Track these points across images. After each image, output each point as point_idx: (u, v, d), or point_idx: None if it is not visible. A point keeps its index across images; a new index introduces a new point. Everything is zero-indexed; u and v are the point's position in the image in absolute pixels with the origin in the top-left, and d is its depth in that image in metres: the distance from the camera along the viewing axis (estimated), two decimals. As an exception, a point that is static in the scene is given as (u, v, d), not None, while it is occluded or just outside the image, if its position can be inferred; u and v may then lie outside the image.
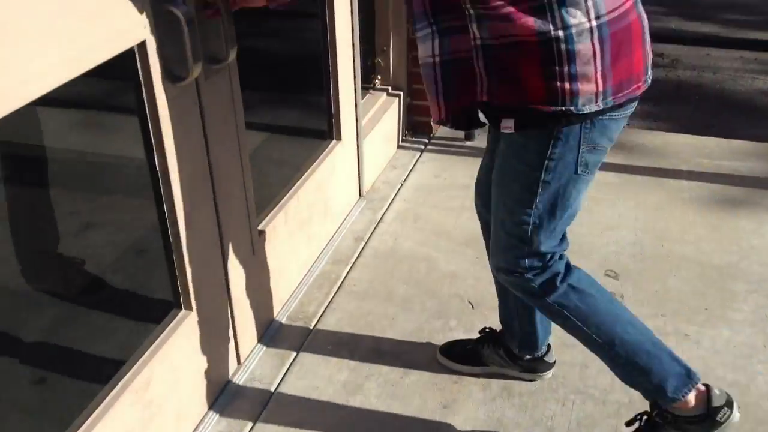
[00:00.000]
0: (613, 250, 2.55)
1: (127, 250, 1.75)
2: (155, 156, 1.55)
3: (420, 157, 3.17)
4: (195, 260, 1.71)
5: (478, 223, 1.87)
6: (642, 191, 2.90)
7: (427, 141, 3.27)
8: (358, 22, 2.54)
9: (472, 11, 1.31)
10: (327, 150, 2.52)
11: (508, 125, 1.37)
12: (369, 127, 2.89)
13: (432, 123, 1.46)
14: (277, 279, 2.18)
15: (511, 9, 1.27)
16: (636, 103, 1.44)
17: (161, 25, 1.45)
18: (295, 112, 2.67)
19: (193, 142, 1.65)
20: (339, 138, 2.57)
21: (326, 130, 2.58)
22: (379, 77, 3.18)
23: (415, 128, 3.31)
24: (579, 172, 1.45)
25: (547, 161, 1.42)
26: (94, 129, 1.65)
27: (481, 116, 1.40)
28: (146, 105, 1.48)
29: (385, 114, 3.03)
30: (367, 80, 3.11)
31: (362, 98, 2.78)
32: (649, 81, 1.43)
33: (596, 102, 1.33)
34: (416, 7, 1.40)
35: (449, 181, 2.99)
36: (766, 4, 6.23)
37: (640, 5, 1.40)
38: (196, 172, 1.67)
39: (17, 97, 1.15)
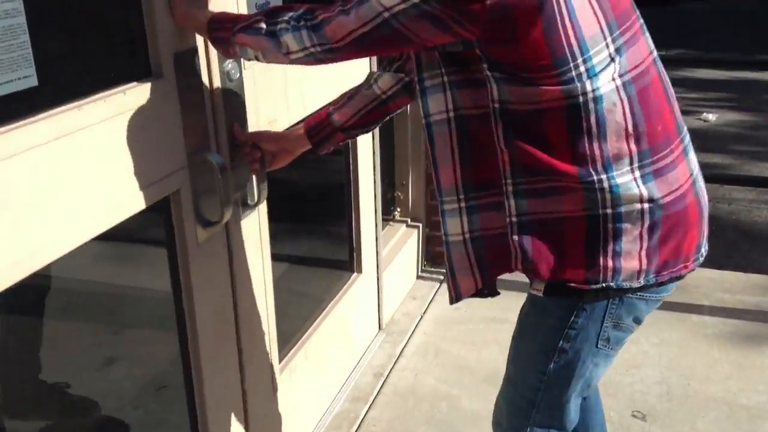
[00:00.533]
0: (639, 389, 2.49)
1: (147, 385, 1.74)
2: (182, 294, 1.57)
3: (439, 288, 3.18)
4: (215, 398, 1.70)
5: (501, 357, 1.84)
6: (665, 327, 2.87)
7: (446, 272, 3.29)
8: (379, 160, 2.63)
9: (511, 187, 1.28)
10: (348, 283, 2.54)
11: (538, 288, 1.33)
12: (389, 258, 2.92)
13: (451, 301, 1.40)
14: (296, 418, 2.14)
15: (559, 185, 1.24)
16: (674, 286, 1.37)
17: (196, 172, 1.50)
18: (317, 242, 2.71)
19: (220, 283, 1.67)
20: (360, 271, 2.59)
21: (347, 263, 2.61)
22: (398, 210, 3.25)
23: (434, 259, 3.34)
24: (599, 347, 1.38)
25: (567, 329, 1.36)
26: (121, 261, 1.68)
27: None
28: (177, 249, 1.52)
29: (405, 245, 3.07)
30: (387, 212, 3.17)
31: (382, 230, 2.83)
32: (701, 259, 1.36)
33: (637, 279, 1.28)
34: (445, 184, 1.35)
35: (470, 313, 2.98)
36: (777, 137, 6.37)
37: (700, 182, 1.35)
38: (220, 311, 1.68)
39: (56, 247, 1.18)
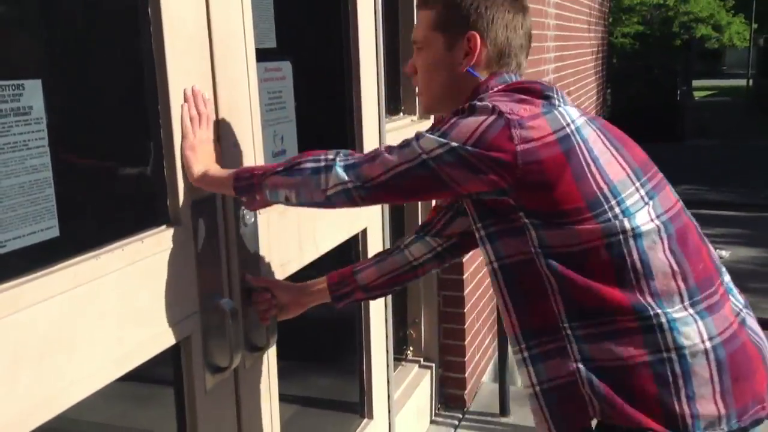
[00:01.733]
0: None
1: None
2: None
3: (453, 432, 3.08)
4: None
5: None
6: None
7: (461, 416, 3.20)
8: (391, 297, 2.62)
9: (570, 331, 1.27)
10: (359, 430, 2.46)
11: None
12: (401, 402, 2.84)
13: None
14: None
15: (617, 327, 1.24)
16: (758, 428, 1.32)
17: (207, 318, 1.51)
18: (326, 381, 2.66)
19: (227, 427, 1.63)
20: (371, 416, 2.52)
21: (358, 406, 2.55)
22: (410, 349, 3.20)
23: (447, 402, 3.26)
24: None
25: None
26: (131, 401, 1.65)
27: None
28: (185, 397, 1.50)
29: (417, 388, 3.00)
30: (399, 352, 3.13)
31: (394, 371, 2.78)
32: None
33: (719, 425, 1.24)
34: (507, 330, 1.34)
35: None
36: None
37: (749, 322, 1.35)
38: (226, 462, 1.63)
39: (67, 398, 1.17)
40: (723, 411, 1.24)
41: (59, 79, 1.21)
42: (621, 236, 1.23)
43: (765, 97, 20.18)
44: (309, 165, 1.33)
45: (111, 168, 1.37)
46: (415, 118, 2.94)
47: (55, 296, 1.14)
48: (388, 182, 1.28)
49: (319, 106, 2.20)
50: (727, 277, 1.37)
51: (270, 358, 1.81)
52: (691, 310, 1.25)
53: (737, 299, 1.35)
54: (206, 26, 1.49)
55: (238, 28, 1.59)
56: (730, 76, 35.32)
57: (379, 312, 2.55)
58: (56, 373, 1.15)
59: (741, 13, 24.56)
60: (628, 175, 1.26)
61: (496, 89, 1.35)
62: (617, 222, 1.23)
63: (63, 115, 1.21)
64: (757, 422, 1.29)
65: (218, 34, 1.52)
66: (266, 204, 1.43)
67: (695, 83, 24.56)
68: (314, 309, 2.47)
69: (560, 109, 1.26)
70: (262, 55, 1.71)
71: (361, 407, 2.53)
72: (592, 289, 1.24)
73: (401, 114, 2.94)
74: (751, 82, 24.50)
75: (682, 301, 1.25)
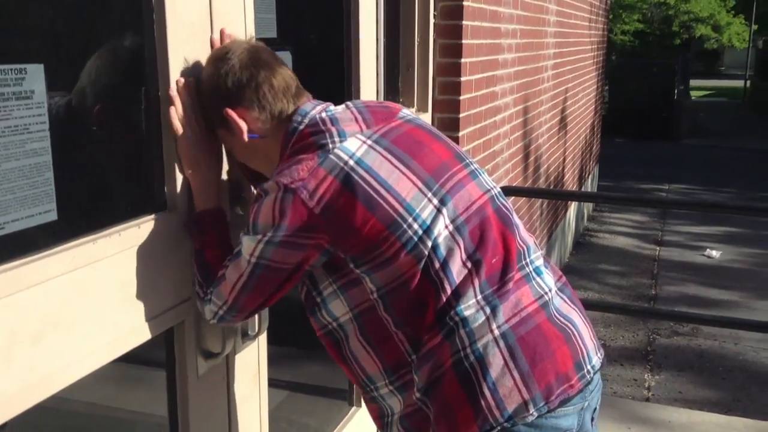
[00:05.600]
0: None
1: None
2: (178, 424, 1.55)
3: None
4: None
5: None
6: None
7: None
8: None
9: (415, 362, 1.33)
10: (346, 418, 2.49)
11: None
12: (390, 391, 2.87)
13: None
14: None
15: (430, 345, 1.30)
16: (587, 394, 1.36)
17: (201, 304, 1.52)
18: (316, 369, 2.68)
19: (218, 416, 1.65)
20: (359, 405, 2.55)
21: (347, 393, 2.58)
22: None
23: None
24: None
25: None
26: (122, 382, 1.67)
27: None
28: (177, 381, 1.51)
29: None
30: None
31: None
32: (588, 377, 1.35)
33: (527, 410, 1.27)
34: (371, 370, 1.41)
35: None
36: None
37: (557, 302, 1.38)
38: (215, 446, 1.65)
39: (61, 379, 1.19)
40: (527, 395, 1.27)
41: (61, 63, 1.22)
42: (427, 256, 1.29)
43: (762, 98, 20.24)
44: (200, 292, 1.44)
45: (109, 153, 1.38)
46: (413, 109, 2.96)
47: (52, 278, 1.16)
48: (239, 297, 1.37)
49: (319, 97, 2.21)
50: (539, 261, 1.42)
51: (261, 345, 1.83)
52: (482, 303, 1.30)
53: (545, 282, 1.39)
54: (208, 14, 1.50)
55: (239, 17, 1.60)
56: (728, 76, 35.38)
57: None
58: (52, 353, 1.17)
59: (741, 15, 24.57)
60: (419, 188, 1.31)
61: (288, 150, 1.37)
62: (420, 243, 1.29)
63: (64, 99, 1.22)
64: (566, 401, 1.31)
65: (219, 23, 1.52)
66: None
67: (693, 83, 24.58)
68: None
69: (335, 150, 1.30)
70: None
71: (350, 395, 2.56)
72: (423, 314, 1.31)
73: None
74: (748, 83, 24.55)
75: (475, 296, 1.30)
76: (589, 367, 1.36)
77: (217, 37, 1.50)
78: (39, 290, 1.13)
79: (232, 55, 1.39)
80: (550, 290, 1.38)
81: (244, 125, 1.40)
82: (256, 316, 1.71)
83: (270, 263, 1.32)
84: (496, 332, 1.29)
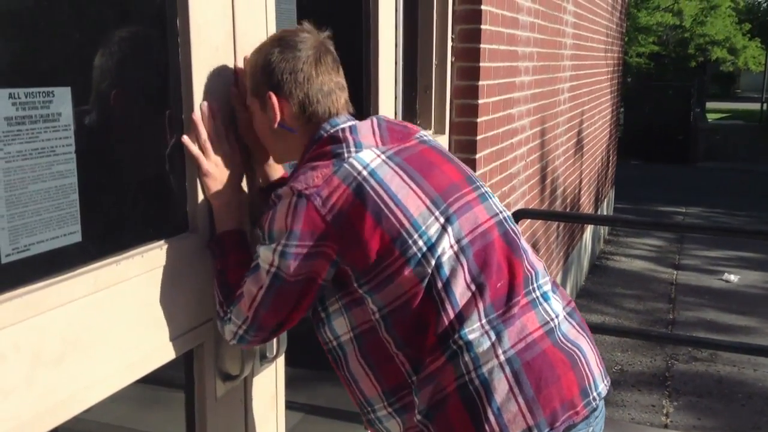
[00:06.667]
0: None
1: None
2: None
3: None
4: None
5: None
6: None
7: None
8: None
9: (416, 384, 1.33)
10: (363, 441, 2.47)
11: None
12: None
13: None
14: None
15: (432, 367, 1.30)
16: (592, 420, 1.35)
17: (220, 326, 1.52)
18: (333, 390, 2.67)
19: (234, 437, 1.65)
20: (376, 428, 2.53)
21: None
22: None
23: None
24: None
25: None
26: (139, 403, 1.66)
27: None
28: (195, 404, 1.51)
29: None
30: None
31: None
32: (594, 404, 1.35)
33: None
34: (369, 393, 1.40)
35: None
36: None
37: (564, 329, 1.38)
38: (233, 469, 1.64)
39: (82, 401, 1.19)
40: (531, 421, 1.27)
41: (87, 86, 1.24)
42: (430, 274, 1.30)
43: (779, 121, 20.10)
44: (220, 311, 1.43)
45: (132, 175, 1.39)
46: (430, 132, 2.96)
47: (75, 300, 1.16)
48: (258, 313, 1.36)
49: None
50: (547, 287, 1.42)
51: (278, 367, 1.82)
52: (487, 327, 1.30)
53: (552, 308, 1.39)
54: (232, 38, 1.51)
55: (263, 38, 1.61)
56: (744, 99, 35.25)
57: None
58: (74, 375, 1.17)
59: (757, 38, 24.52)
60: (427, 206, 1.32)
61: (308, 154, 1.41)
62: (424, 260, 1.29)
63: (89, 122, 1.23)
64: (571, 427, 1.30)
65: (243, 47, 1.54)
66: None
67: (709, 105, 24.51)
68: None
69: (350, 160, 1.33)
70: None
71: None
72: (423, 334, 1.31)
73: (417, 128, 2.96)
74: (765, 106, 24.42)
75: (479, 320, 1.30)
76: (595, 394, 1.36)
77: (242, 65, 1.52)
78: (62, 312, 1.14)
79: (301, 48, 1.41)
80: (557, 316, 1.39)
81: (279, 116, 1.42)
82: (275, 340, 1.71)
83: (286, 276, 1.32)
84: (502, 357, 1.29)
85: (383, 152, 1.36)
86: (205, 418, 1.52)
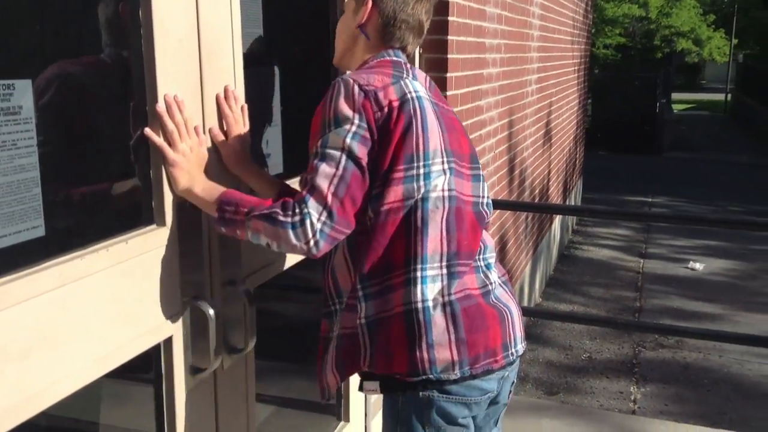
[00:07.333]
0: None
1: None
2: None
3: None
4: None
5: None
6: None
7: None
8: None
9: (360, 292, 1.48)
10: (335, 432, 2.48)
11: (373, 388, 1.53)
12: (378, 405, 2.86)
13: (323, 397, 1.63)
14: None
15: (392, 282, 1.46)
16: (508, 369, 1.54)
17: (189, 320, 1.52)
18: (304, 383, 2.67)
19: (206, 428, 1.64)
20: (347, 419, 2.54)
21: (334, 409, 2.57)
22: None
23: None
24: None
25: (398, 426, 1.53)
26: (109, 398, 1.65)
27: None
28: (164, 397, 1.51)
29: (394, 392, 3.01)
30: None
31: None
32: (511, 358, 1.54)
33: (453, 370, 1.46)
34: (344, 285, 1.54)
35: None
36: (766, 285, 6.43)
37: (498, 292, 1.57)
38: (203, 463, 1.64)
39: (50, 396, 1.18)
40: (456, 357, 1.46)
41: (48, 79, 1.22)
42: (414, 198, 1.44)
43: (743, 112, 20.49)
44: (286, 219, 1.36)
45: (97, 169, 1.38)
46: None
47: (40, 295, 1.15)
48: (337, 194, 1.38)
49: (306, 110, 2.21)
50: (491, 260, 1.60)
51: (248, 360, 1.82)
52: (443, 271, 1.47)
53: (489, 277, 1.57)
54: (196, 30, 1.50)
55: (226, 33, 1.61)
56: (710, 90, 35.80)
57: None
58: (41, 369, 1.16)
59: (722, 29, 24.91)
60: (441, 149, 1.48)
61: (366, 65, 1.57)
62: (416, 184, 1.43)
63: (51, 116, 1.22)
64: (488, 372, 1.50)
65: (207, 39, 1.53)
66: (239, 237, 1.44)
67: (675, 96, 24.85)
68: (292, 310, 2.49)
69: (405, 81, 1.49)
70: (249, 59, 1.73)
71: (338, 410, 2.55)
72: (385, 250, 1.45)
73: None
74: (729, 96, 24.85)
75: (440, 260, 1.47)
76: (513, 350, 1.55)
77: (222, 94, 1.58)
78: (27, 306, 1.13)
79: None
80: (493, 282, 1.58)
81: (363, 19, 1.56)
82: (245, 332, 1.71)
83: (357, 157, 1.40)
84: (446, 299, 1.47)
85: (429, 95, 1.53)
86: (174, 413, 1.52)
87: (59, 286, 1.19)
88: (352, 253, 1.51)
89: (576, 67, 7.78)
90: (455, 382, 1.47)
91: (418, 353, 1.44)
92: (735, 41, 25.69)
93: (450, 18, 2.93)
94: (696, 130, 18.48)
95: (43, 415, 1.29)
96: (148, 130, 1.41)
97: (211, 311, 1.53)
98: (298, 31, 2.15)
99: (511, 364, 1.55)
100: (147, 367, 1.53)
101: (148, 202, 1.45)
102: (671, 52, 23.82)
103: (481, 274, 1.55)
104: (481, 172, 1.61)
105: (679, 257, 7.36)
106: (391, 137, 1.42)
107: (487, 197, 1.62)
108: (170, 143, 1.43)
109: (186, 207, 1.49)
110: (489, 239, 1.63)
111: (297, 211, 1.35)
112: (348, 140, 1.39)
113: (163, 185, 1.44)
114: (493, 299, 1.55)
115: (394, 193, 1.43)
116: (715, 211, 9.58)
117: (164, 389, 1.51)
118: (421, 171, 1.44)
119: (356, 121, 1.40)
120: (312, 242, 1.36)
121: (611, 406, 4.18)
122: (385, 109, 1.42)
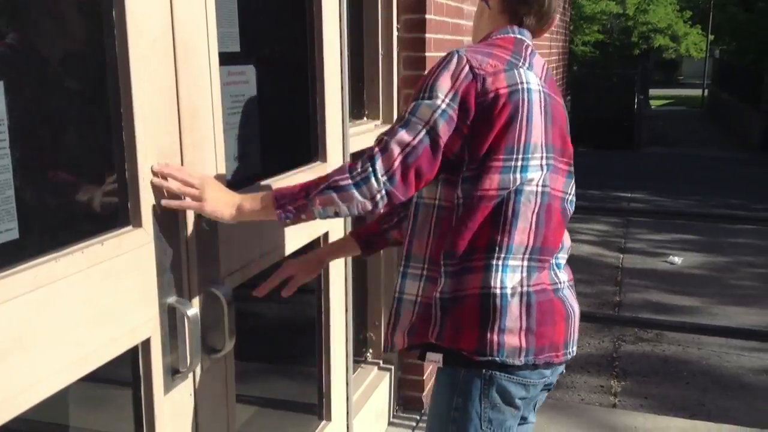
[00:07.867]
0: None
1: None
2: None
3: (411, 434, 3.11)
4: None
5: None
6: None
7: (418, 417, 3.23)
8: (352, 301, 2.64)
9: (443, 268, 1.55)
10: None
11: (436, 359, 1.58)
12: (360, 403, 2.87)
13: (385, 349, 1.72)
14: None
15: (472, 264, 1.53)
16: (557, 369, 1.63)
17: (166, 321, 1.51)
18: (285, 383, 2.67)
19: (186, 431, 1.64)
20: (329, 419, 2.54)
21: (316, 407, 2.56)
22: (370, 351, 3.23)
23: (406, 404, 3.29)
24: (483, 428, 1.58)
25: (453, 411, 1.59)
26: (87, 403, 1.64)
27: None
28: (143, 401, 1.50)
29: (376, 390, 3.02)
30: (359, 354, 3.15)
31: (353, 373, 2.80)
32: (569, 356, 1.62)
33: (519, 356, 1.53)
34: (417, 251, 1.61)
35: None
36: (755, 288, 6.51)
37: (566, 292, 1.64)
38: (183, 464, 1.63)
39: (26, 399, 1.17)
40: (524, 345, 1.54)
41: (21, 79, 1.21)
42: (510, 188, 1.49)
43: (720, 107, 20.70)
44: (348, 182, 1.44)
45: (71, 170, 1.37)
46: (378, 122, 2.97)
47: (14, 298, 1.14)
48: (405, 162, 1.43)
49: (283, 110, 2.21)
50: (562, 260, 1.67)
51: (228, 361, 1.82)
52: (525, 263, 1.55)
53: (558, 276, 1.63)
54: (170, 28, 1.49)
55: (201, 31, 1.60)
56: (687, 85, 36.11)
57: (339, 314, 2.57)
58: (17, 373, 1.15)
59: (698, 25, 25.15)
60: (542, 143, 1.52)
61: (488, 39, 1.61)
62: (512, 176, 1.49)
63: (25, 117, 1.20)
64: (548, 365, 1.59)
65: (182, 38, 1.52)
66: (305, 221, 1.51)
67: (652, 92, 25.05)
68: (273, 310, 2.48)
69: (519, 70, 1.51)
70: (225, 58, 1.72)
71: (320, 409, 2.55)
72: (471, 235, 1.52)
73: (365, 118, 2.97)
74: (706, 92, 25.10)
75: (523, 254, 1.54)
76: (570, 350, 1.63)
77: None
78: (2, 309, 1.12)
79: None
80: (563, 281, 1.64)
81: None
82: (225, 333, 1.70)
83: (436, 135, 1.44)
84: (525, 289, 1.54)
85: (541, 86, 1.55)
86: (153, 415, 1.51)
87: (34, 288, 1.17)
88: (437, 223, 1.57)
89: (554, 64, 7.82)
90: (518, 367, 1.55)
91: (489, 335, 1.51)
92: (711, 37, 25.94)
93: (427, 16, 2.94)
94: (674, 126, 18.65)
95: (20, 419, 1.28)
96: (166, 203, 1.44)
97: (190, 312, 1.52)
98: (275, 29, 2.14)
99: (564, 362, 1.62)
100: (125, 370, 1.52)
101: (124, 203, 1.44)
102: (649, 48, 24.03)
103: (553, 272, 1.62)
104: (572, 170, 1.65)
105: (658, 251, 7.43)
106: (492, 125, 1.45)
107: (573, 194, 1.67)
108: (187, 196, 1.46)
109: (161, 208, 1.48)
110: (567, 239, 1.69)
111: (362, 169, 1.44)
112: (436, 116, 1.43)
113: (138, 187, 1.43)
114: (564, 297, 1.62)
115: (490, 181, 1.48)
116: (693, 206, 9.67)
117: (142, 391, 1.50)
118: (519, 164, 1.49)
119: (449, 100, 1.43)
120: (378, 197, 1.44)
121: (592, 401, 4.22)
122: (490, 95, 1.45)
